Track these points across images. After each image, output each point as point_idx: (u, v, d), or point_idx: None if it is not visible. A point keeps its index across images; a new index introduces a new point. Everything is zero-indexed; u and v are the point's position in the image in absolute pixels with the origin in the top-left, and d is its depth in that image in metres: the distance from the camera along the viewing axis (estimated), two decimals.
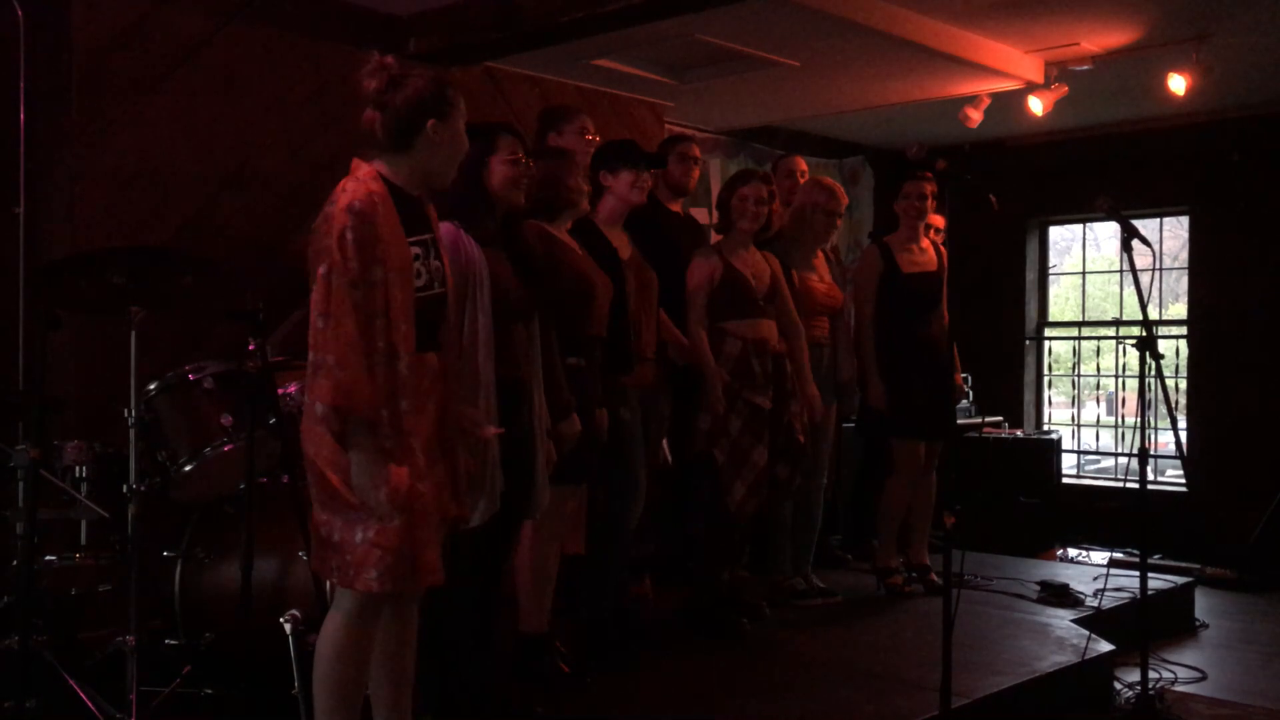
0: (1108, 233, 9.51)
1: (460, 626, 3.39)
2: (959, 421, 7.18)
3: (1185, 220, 8.03)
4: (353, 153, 2.85)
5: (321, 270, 2.63)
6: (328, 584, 3.42)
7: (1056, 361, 9.08)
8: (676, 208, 4.90)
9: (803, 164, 5.65)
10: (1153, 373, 4.01)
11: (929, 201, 5.14)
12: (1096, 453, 8.74)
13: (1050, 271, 8.81)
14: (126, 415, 3.40)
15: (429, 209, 2.94)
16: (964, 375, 5.62)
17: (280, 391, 3.73)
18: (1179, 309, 9.01)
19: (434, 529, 2.76)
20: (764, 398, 4.48)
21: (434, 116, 2.80)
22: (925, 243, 5.22)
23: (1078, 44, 5.95)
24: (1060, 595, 5.18)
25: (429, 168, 2.86)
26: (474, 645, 3.45)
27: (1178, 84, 6.10)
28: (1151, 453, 4.13)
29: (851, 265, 5.93)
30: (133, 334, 3.38)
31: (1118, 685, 4.43)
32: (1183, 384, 7.84)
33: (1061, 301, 9.95)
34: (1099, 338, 8.64)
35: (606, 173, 4.17)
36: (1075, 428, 8.67)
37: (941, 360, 4.86)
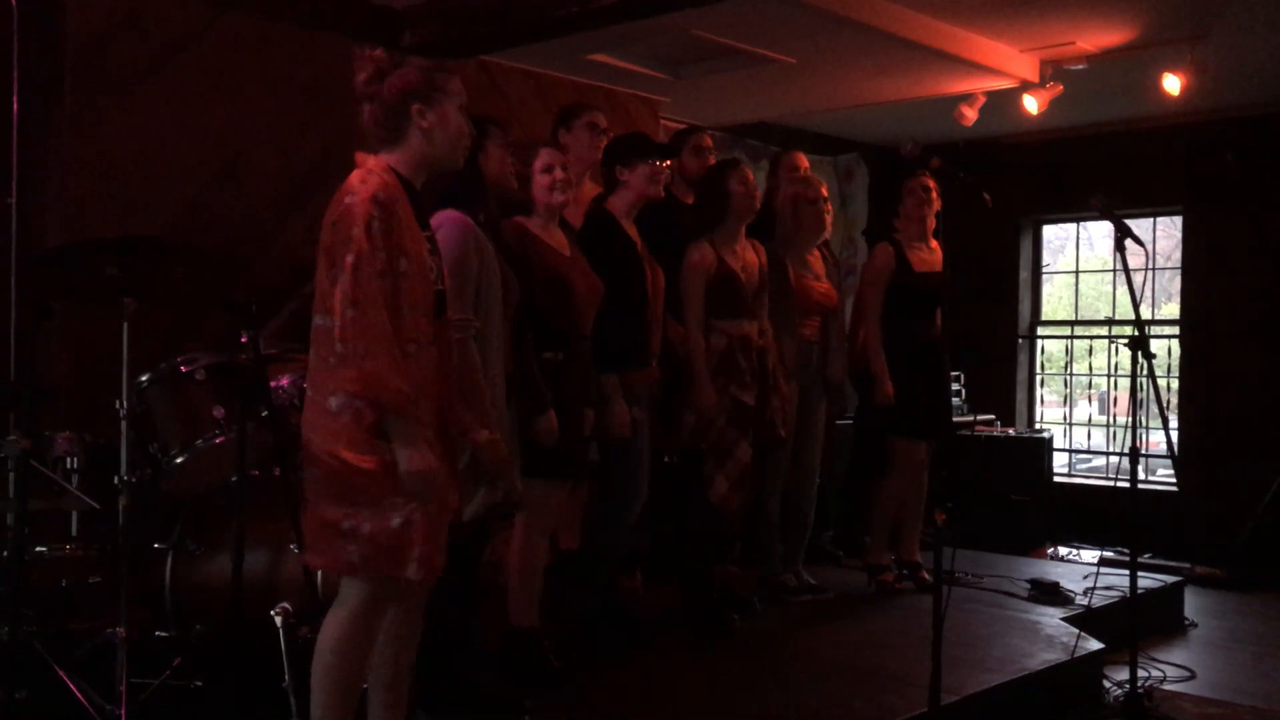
0: (1101, 232, 9.54)
1: (439, 621, 3.38)
2: (954, 420, 7.19)
3: (1179, 220, 8.04)
4: (346, 144, 2.85)
5: (350, 260, 2.58)
6: (319, 576, 3.43)
7: (1049, 360, 9.09)
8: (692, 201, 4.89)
9: (803, 160, 5.61)
10: (1144, 372, 4.02)
11: (934, 194, 5.12)
12: (1088, 451, 8.75)
13: (1043, 270, 8.82)
14: (118, 406, 3.39)
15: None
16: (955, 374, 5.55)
17: (272, 384, 3.72)
18: (1172, 309, 9.02)
19: (445, 520, 2.77)
20: (748, 394, 4.48)
21: (419, 101, 2.75)
22: (934, 241, 5.19)
23: (1073, 43, 5.96)
24: (1051, 593, 5.20)
25: (429, 156, 2.81)
26: (454, 640, 3.44)
27: (1172, 84, 6.10)
28: (1143, 452, 4.14)
29: (846, 259, 5.90)
30: (125, 325, 3.37)
31: (1107, 684, 4.43)
32: (1174, 384, 7.85)
33: (1054, 300, 9.96)
34: (1091, 337, 8.65)
35: (621, 167, 4.16)
36: (1067, 426, 8.68)
37: (943, 360, 4.84)
